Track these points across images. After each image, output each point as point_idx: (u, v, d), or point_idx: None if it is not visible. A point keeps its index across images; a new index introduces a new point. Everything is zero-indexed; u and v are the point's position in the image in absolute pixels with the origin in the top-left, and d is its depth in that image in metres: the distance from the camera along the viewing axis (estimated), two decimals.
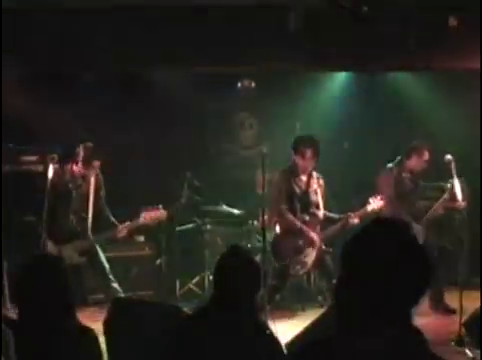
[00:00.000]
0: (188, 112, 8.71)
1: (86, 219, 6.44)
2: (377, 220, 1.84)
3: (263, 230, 6.38)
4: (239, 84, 8.56)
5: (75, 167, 6.41)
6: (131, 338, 4.30)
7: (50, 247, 6.23)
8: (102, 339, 3.67)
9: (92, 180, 6.46)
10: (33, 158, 6.83)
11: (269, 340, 3.16)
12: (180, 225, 8.10)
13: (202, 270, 8.05)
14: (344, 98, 8.86)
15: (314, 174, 7.04)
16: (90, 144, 6.38)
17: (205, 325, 3.14)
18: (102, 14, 6.29)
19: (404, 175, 7.30)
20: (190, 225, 8.29)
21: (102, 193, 6.63)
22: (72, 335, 3.02)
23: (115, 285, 6.52)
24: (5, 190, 6.59)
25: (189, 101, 8.71)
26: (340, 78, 8.92)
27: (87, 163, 6.36)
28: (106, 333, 4.40)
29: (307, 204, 6.95)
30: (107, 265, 6.53)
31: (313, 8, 6.13)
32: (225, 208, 8.15)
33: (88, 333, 3.14)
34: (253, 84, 8.57)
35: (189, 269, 8.20)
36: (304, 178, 7.00)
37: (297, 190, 6.92)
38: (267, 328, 3.37)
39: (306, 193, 6.96)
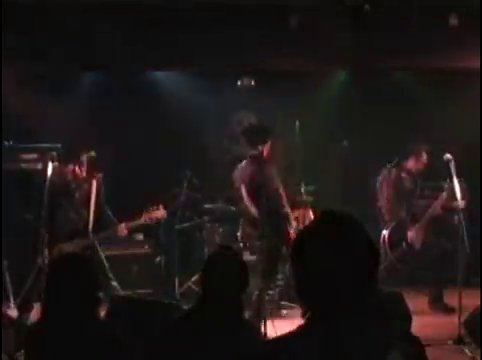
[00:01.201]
0: (188, 110, 8.71)
1: (87, 218, 6.45)
2: (321, 215, 1.90)
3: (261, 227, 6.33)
4: (239, 82, 8.56)
5: (78, 170, 6.42)
6: (129, 337, 4.31)
7: (51, 245, 6.23)
8: None
9: (94, 182, 6.48)
10: (32, 156, 6.83)
11: (253, 338, 3.19)
12: (179, 223, 8.10)
13: (201, 268, 8.02)
14: (343, 97, 8.86)
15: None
16: (93, 154, 6.40)
17: (191, 325, 3.19)
18: (100, 13, 6.29)
19: (403, 175, 7.32)
20: (189, 223, 8.29)
21: (102, 193, 6.64)
22: (98, 333, 3.08)
23: (114, 283, 6.52)
24: (5, 188, 6.60)
25: (189, 99, 8.73)
26: (340, 77, 8.93)
27: (90, 173, 6.41)
28: None
29: None
30: (106, 263, 6.54)
31: (313, 7, 6.13)
32: (224, 206, 8.16)
33: (110, 330, 3.20)
34: (253, 82, 8.57)
35: (188, 267, 8.20)
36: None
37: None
38: (252, 326, 3.43)
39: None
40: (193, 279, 8.08)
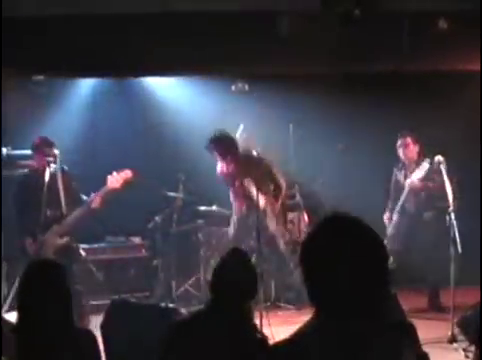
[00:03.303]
0: (182, 114, 8.77)
1: (59, 207, 6.37)
2: (331, 217, 1.92)
3: (257, 230, 6.42)
4: (233, 87, 8.62)
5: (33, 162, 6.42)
6: (129, 340, 4.37)
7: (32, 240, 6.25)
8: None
9: (59, 177, 6.39)
10: (31, 162, 6.87)
11: (260, 344, 3.19)
12: (176, 226, 8.16)
13: (198, 271, 8.13)
14: (336, 100, 8.92)
15: None
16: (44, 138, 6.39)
17: (200, 328, 3.18)
18: (97, 20, 6.34)
19: (397, 172, 7.43)
20: (185, 226, 8.36)
21: (74, 184, 6.57)
22: (72, 338, 3.06)
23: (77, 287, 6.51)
24: (2, 194, 6.64)
25: (183, 103, 8.80)
26: (332, 81, 8.98)
27: (41, 154, 6.35)
28: (104, 335, 4.48)
29: None
30: (82, 253, 6.55)
31: (304, 13, 6.19)
32: (219, 209, 8.22)
33: (87, 335, 3.21)
34: (247, 87, 8.62)
35: (185, 270, 8.26)
36: None
37: None
38: (259, 332, 3.40)
39: None
40: (190, 282, 8.15)
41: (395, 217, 7.40)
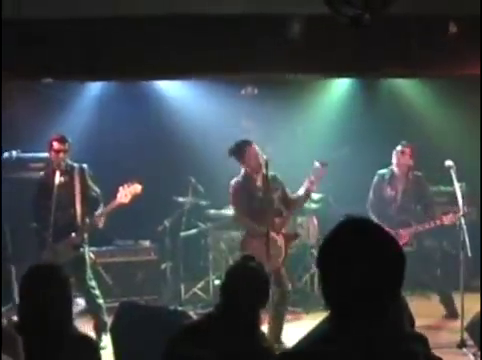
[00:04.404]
0: (191, 118, 8.79)
1: (74, 215, 6.39)
2: (347, 220, 1.91)
3: (267, 233, 6.38)
4: (243, 91, 8.63)
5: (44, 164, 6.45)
6: (137, 342, 4.37)
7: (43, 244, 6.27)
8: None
9: (76, 176, 6.42)
10: (39, 165, 6.89)
11: (267, 353, 3.16)
12: (185, 230, 8.18)
13: (206, 274, 8.14)
14: (345, 104, 8.94)
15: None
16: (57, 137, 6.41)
17: (208, 332, 3.17)
18: (104, 24, 6.36)
19: (388, 182, 7.35)
20: (194, 230, 8.36)
21: (94, 189, 6.55)
22: (73, 343, 3.06)
23: (96, 292, 6.52)
24: (12, 197, 6.67)
25: (192, 107, 8.82)
26: (341, 84, 9.01)
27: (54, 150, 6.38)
28: (113, 337, 4.49)
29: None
30: (89, 263, 6.53)
31: (314, 17, 6.20)
32: (228, 212, 8.23)
33: (88, 341, 3.21)
34: (256, 91, 8.64)
35: (194, 273, 8.29)
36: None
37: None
38: (266, 340, 3.37)
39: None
40: (198, 285, 8.16)
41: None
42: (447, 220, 6.78)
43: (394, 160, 7.27)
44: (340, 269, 1.84)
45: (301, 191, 6.40)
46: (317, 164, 6.30)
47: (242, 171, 6.41)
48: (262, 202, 6.21)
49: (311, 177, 6.31)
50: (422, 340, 1.91)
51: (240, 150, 6.36)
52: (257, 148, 6.36)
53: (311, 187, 6.35)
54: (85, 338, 3.21)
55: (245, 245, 6.42)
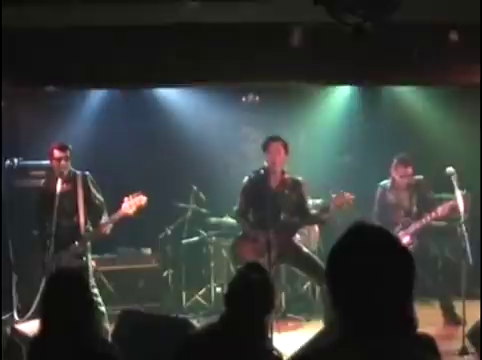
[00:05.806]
0: (193, 126, 8.81)
1: (75, 216, 6.35)
2: (357, 228, 1.88)
3: (268, 235, 6.35)
4: (244, 98, 8.65)
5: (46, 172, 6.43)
6: (139, 350, 4.38)
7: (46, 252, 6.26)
8: None
9: (79, 183, 6.38)
10: (41, 173, 6.90)
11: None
12: (186, 238, 8.18)
13: (208, 282, 8.14)
14: (346, 112, 8.96)
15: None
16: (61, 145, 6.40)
17: (214, 342, 3.14)
18: (104, 32, 6.40)
19: (390, 191, 7.34)
20: (196, 238, 8.37)
21: (97, 197, 6.51)
22: (97, 350, 3.07)
23: (95, 291, 6.50)
24: (14, 205, 6.67)
25: (194, 115, 8.84)
26: (342, 92, 9.03)
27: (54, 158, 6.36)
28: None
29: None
30: (91, 273, 6.50)
31: (315, 25, 6.23)
32: (230, 220, 8.23)
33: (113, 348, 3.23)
34: (257, 98, 8.66)
35: (195, 281, 8.29)
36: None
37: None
38: (274, 348, 3.33)
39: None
40: (200, 293, 8.16)
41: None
42: (441, 212, 6.83)
43: (393, 173, 7.29)
44: (348, 279, 1.81)
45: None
46: (347, 194, 6.35)
47: (261, 167, 6.38)
48: (270, 202, 6.09)
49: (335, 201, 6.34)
50: (433, 345, 1.90)
51: (265, 143, 6.48)
52: (283, 148, 6.42)
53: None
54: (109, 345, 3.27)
55: (237, 246, 6.55)
